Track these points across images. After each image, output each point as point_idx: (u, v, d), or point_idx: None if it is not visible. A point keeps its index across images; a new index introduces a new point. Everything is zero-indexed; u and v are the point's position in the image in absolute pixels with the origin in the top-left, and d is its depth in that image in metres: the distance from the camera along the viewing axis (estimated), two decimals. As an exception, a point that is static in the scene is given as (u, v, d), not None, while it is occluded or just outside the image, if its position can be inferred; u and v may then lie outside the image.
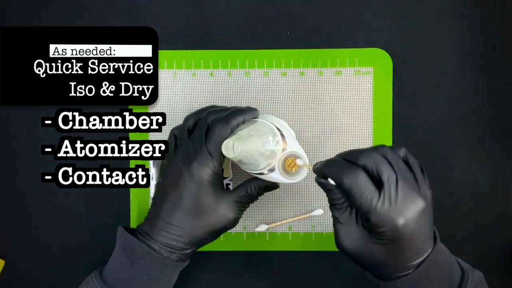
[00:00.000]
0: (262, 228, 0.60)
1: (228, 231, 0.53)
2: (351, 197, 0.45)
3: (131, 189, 0.61)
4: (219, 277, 0.62)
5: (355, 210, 0.47)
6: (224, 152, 0.47)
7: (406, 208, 0.44)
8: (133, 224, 0.61)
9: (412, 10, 0.61)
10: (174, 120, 0.61)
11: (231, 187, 0.61)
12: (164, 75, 0.61)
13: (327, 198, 0.49)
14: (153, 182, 0.61)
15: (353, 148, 0.49)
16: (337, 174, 0.46)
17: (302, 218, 0.61)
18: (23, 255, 0.62)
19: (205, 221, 0.51)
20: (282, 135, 0.51)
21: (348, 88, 0.60)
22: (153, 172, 0.61)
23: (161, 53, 0.61)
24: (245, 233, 0.61)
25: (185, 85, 0.61)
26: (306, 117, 0.60)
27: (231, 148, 0.47)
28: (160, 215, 0.51)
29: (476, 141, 0.61)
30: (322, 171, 0.47)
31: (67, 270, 0.62)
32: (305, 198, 0.61)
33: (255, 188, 0.53)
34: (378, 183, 0.45)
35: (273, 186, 0.55)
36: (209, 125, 0.52)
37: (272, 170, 0.51)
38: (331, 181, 0.47)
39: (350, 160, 0.46)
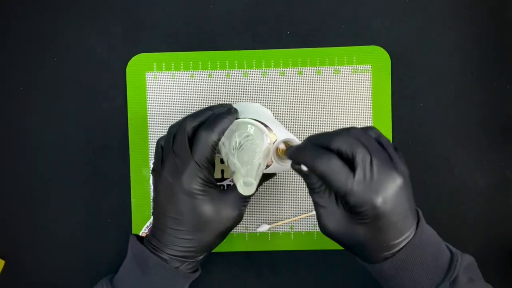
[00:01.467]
0: (264, 228, 0.60)
1: (230, 232, 0.53)
2: (327, 182, 0.45)
3: (132, 192, 0.61)
4: (221, 278, 0.62)
5: (334, 194, 0.47)
6: (247, 193, 0.46)
7: (383, 186, 0.44)
8: (134, 226, 0.61)
9: (412, 10, 0.61)
10: (173, 122, 0.61)
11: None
12: (162, 77, 0.61)
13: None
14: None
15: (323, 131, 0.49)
16: (310, 161, 0.45)
17: (303, 217, 0.61)
18: (23, 255, 0.62)
19: (211, 228, 0.51)
20: (267, 126, 0.50)
21: (347, 87, 0.60)
22: (153, 172, 0.61)
23: (160, 55, 0.61)
24: (247, 234, 0.61)
25: (184, 86, 0.61)
26: (305, 116, 0.60)
27: (254, 187, 0.46)
28: (166, 231, 0.51)
29: (476, 141, 0.61)
30: (295, 157, 0.48)
31: (67, 270, 0.62)
32: (306, 198, 0.61)
33: None
34: (352, 164, 0.45)
35: (271, 174, 0.55)
36: (189, 133, 0.50)
37: (269, 164, 0.51)
38: (305, 168, 0.46)
39: (321, 144, 0.46)
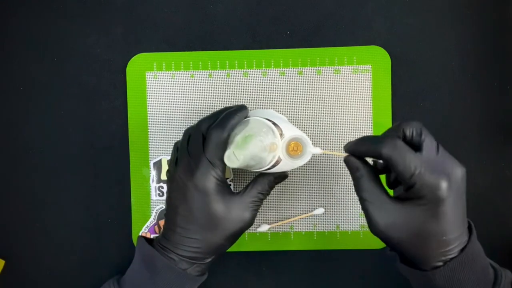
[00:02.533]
0: (264, 228, 0.60)
1: (240, 235, 0.53)
2: (392, 165, 0.44)
3: (132, 192, 0.61)
4: (221, 278, 0.62)
5: (384, 190, 0.47)
6: (229, 164, 0.47)
7: (449, 170, 0.44)
8: (134, 226, 0.61)
9: (412, 10, 0.61)
10: (173, 122, 0.61)
11: (232, 188, 0.61)
12: (163, 77, 0.61)
13: (353, 185, 0.48)
14: (153, 184, 0.61)
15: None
16: (374, 146, 0.45)
17: (303, 217, 0.61)
18: (23, 255, 0.62)
19: (221, 228, 0.50)
20: (275, 124, 0.51)
21: (347, 87, 0.60)
22: (153, 174, 0.61)
23: (160, 55, 0.61)
24: (247, 234, 0.61)
25: (184, 86, 0.61)
26: (305, 116, 0.60)
27: (234, 158, 0.47)
28: (176, 230, 0.51)
29: (476, 141, 0.61)
30: (357, 147, 0.47)
31: (67, 270, 0.62)
32: (306, 198, 0.61)
33: (266, 183, 0.53)
34: (417, 148, 0.45)
35: (283, 176, 0.55)
36: (204, 133, 0.51)
37: (278, 161, 0.51)
38: (368, 159, 0.47)
39: (389, 131, 0.47)
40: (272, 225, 0.61)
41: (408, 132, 0.46)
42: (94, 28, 0.62)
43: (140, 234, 0.61)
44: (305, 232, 0.61)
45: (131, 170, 0.61)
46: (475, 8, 0.60)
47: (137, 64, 0.61)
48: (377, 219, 0.46)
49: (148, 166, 0.61)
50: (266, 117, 0.52)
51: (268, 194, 0.54)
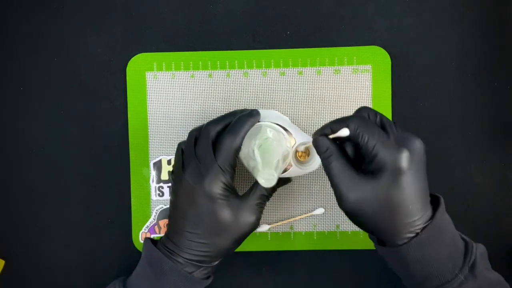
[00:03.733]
0: (264, 228, 0.60)
1: (246, 237, 0.53)
2: (358, 135, 0.47)
3: (132, 192, 0.61)
4: (221, 278, 0.62)
5: (352, 167, 0.48)
6: (268, 185, 0.49)
7: (409, 142, 0.47)
8: (134, 226, 0.61)
9: (412, 10, 0.61)
10: (173, 122, 0.61)
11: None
12: (163, 77, 0.61)
13: (329, 183, 0.49)
14: (153, 184, 0.61)
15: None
16: (342, 122, 0.48)
17: (303, 217, 0.61)
18: (23, 255, 0.62)
19: (229, 233, 0.51)
20: (286, 130, 0.51)
21: (347, 87, 0.60)
22: (153, 174, 0.61)
23: (160, 55, 0.61)
24: (247, 233, 0.61)
25: (184, 86, 0.61)
26: (305, 116, 0.60)
27: (273, 178, 0.49)
28: (183, 234, 0.51)
29: (476, 141, 0.61)
30: (325, 127, 0.49)
31: (67, 270, 0.62)
32: (306, 198, 0.61)
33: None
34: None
35: (286, 180, 0.56)
36: (213, 138, 0.51)
37: (288, 168, 0.51)
38: (333, 136, 0.48)
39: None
40: (272, 225, 0.61)
41: (365, 115, 0.49)
42: (94, 28, 0.62)
43: (140, 235, 0.61)
44: (305, 232, 0.61)
45: (131, 170, 0.61)
46: (475, 8, 0.60)
47: (137, 64, 0.61)
48: (347, 195, 0.47)
49: (148, 166, 0.61)
50: (274, 121, 0.52)
51: (270, 196, 0.54)
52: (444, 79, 0.61)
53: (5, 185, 0.62)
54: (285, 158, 0.50)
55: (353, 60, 0.60)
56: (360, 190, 0.46)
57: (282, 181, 0.55)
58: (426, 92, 0.61)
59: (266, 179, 0.49)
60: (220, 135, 0.52)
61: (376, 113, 0.49)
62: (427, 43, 0.61)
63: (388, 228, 0.47)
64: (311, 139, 0.51)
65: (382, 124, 0.48)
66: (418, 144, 0.47)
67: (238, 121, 0.52)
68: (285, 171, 0.52)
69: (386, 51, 0.60)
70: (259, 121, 0.53)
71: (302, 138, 0.52)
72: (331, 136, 0.49)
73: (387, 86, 0.60)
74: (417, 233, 0.47)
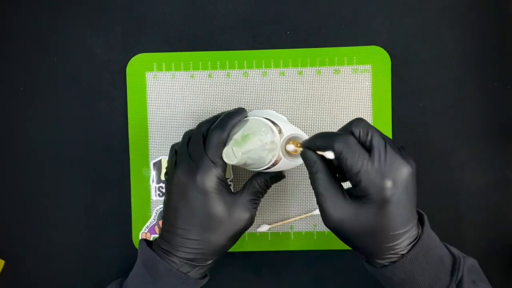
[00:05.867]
0: (264, 228, 0.60)
1: (241, 235, 0.53)
2: (342, 159, 0.46)
3: (132, 192, 0.61)
4: (221, 278, 0.62)
5: (338, 184, 0.48)
6: (226, 160, 0.47)
7: (395, 171, 0.45)
8: (134, 226, 0.61)
9: (412, 10, 0.61)
10: (173, 122, 0.61)
11: (232, 188, 0.61)
12: (163, 77, 0.61)
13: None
14: (153, 185, 0.61)
15: None
16: (327, 141, 0.47)
17: (303, 217, 0.61)
18: (23, 255, 0.62)
19: (222, 229, 0.51)
20: (274, 123, 0.51)
21: (347, 87, 0.60)
22: (153, 174, 0.61)
23: (160, 55, 0.61)
24: (247, 234, 0.61)
25: (184, 87, 0.61)
26: (305, 116, 0.60)
27: (232, 154, 0.47)
28: (177, 232, 0.51)
29: (476, 141, 0.61)
30: (312, 142, 0.48)
31: (67, 270, 0.62)
32: (306, 198, 0.61)
33: (263, 182, 0.53)
34: (367, 148, 0.46)
35: (279, 176, 0.55)
36: (204, 134, 0.52)
37: (278, 160, 0.51)
38: (320, 153, 0.47)
39: (340, 130, 0.48)
40: (272, 225, 0.61)
41: (356, 132, 0.47)
42: (94, 28, 0.62)
43: (140, 235, 0.61)
44: (305, 232, 0.61)
45: (131, 170, 0.61)
46: (475, 8, 0.60)
47: (137, 64, 0.61)
48: (331, 213, 0.47)
49: (148, 166, 0.61)
50: (266, 117, 0.52)
51: (265, 193, 0.54)
52: (444, 79, 0.61)
53: (5, 185, 0.62)
54: (271, 150, 0.50)
55: (353, 60, 0.60)
56: (343, 211, 0.46)
57: (276, 177, 0.55)
58: (426, 92, 0.61)
59: (226, 153, 0.47)
60: None
61: (368, 130, 0.47)
62: (427, 43, 0.61)
63: (370, 250, 0.48)
64: (299, 131, 0.51)
65: (371, 146, 0.46)
66: (404, 171, 0.46)
67: (225, 116, 0.52)
68: (275, 164, 0.51)
69: (386, 51, 0.60)
70: (247, 117, 0.53)
71: (290, 131, 0.51)
72: (318, 152, 0.48)
73: (387, 86, 0.60)
74: (402, 255, 0.47)
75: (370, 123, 0.48)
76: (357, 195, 0.46)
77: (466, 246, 0.60)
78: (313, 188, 0.48)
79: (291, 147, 0.51)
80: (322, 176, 0.47)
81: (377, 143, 0.46)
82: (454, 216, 0.61)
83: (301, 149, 0.50)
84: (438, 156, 0.61)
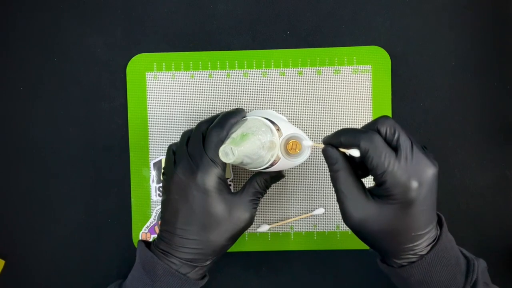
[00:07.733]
0: (264, 228, 0.60)
1: (240, 235, 0.53)
2: (367, 158, 0.45)
3: (132, 192, 0.61)
4: (221, 278, 0.62)
5: (360, 183, 0.47)
6: (223, 159, 0.47)
7: (421, 172, 0.45)
8: (134, 226, 0.61)
9: (412, 10, 0.61)
10: (173, 122, 0.61)
11: (232, 188, 0.61)
12: (163, 77, 0.61)
13: (330, 180, 0.48)
14: (153, 185, 0.61)
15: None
16: (353, 138, 0.46)
17: (303, 217, 0.61)
18: (23, 255, 0.62)
19: (222, 228, 0.50)
20: (273, 123, 0.51)
21: (347, 87, 0.60)
22: (153, 174, 0.61)
23: (160, 55, 0.61)
24: (247, 234, 0.61)
25: (184, 87, 0.61)
26: (305, 116, 0.60)
27: (230, 153, 0.47)
28: (176, 232, 0.50)
29: (476, 141, 0.61)
30: (336, 138, 0.47)
31: (67, 270, 0.62)
32: (306, 198, 0.61)
33: (262, 182, 0.53)
34: (392, 147, 0.46)
35: (279, 176, 0.55)
36: (204, 133, 0.52)
37: (276, 160, 0.51)
38: (343, 150, 0.47)
39: (365, 128, 0.47)
40: (272, 225, 0.61)
41: (382, 130, 0.46)
42: (94, 28, 0.62)
43: (140, 235, 0.61)
44: (305, 232, 0.61)
45: (131, 170, 0.61)
46: (475, 8, 0.60)
47: (137, 64, 0.61)
48: (352, 213, 0.47)
49: (148, 166, 0.61)
50: (265, 117, 0.52)
51: (265, 193, 0.54)
52: (444, 79, 0.61)
53: (5, 185, 0.62)
54: (270, 149, 0.50)
55: (353, 60, 0.60)
56: (365, 212, 0.46)
57: (275, 177, 0.55)
58: (426, 92, 0.61)
59: (223, 152, 0.47)
60: None
61: (395, 129, 0.46)
62: (427, 43, 0.61)
63: (389, 250, 0.47)
64: (298, 130, 0.51)
65: (398, 145, 0.45)
66: (430, 172, 0.45)
67: (224, 115, 0.52)
68: (274, 164, 0.51)
69: (386, 51, 0.60)
70: (245, 116, 0.53)
71: (289, 130, 0.51)
72: (341, 150, 0.47)
73: (387, 86, 0.60)
74: (421, 255, 0.47)
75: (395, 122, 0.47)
76: (380, 194, 0.46)
77: (466, 246, 0.60)
78: (333, 186, 0.48)
79: (289, 141, 0.50)
80: (344, 175, 0.47)
81: (404, 142, 0.45)
82: (454, 215, 0.61)
83: (299, 150, 0.50)
84: (438, 156, 0.60)
